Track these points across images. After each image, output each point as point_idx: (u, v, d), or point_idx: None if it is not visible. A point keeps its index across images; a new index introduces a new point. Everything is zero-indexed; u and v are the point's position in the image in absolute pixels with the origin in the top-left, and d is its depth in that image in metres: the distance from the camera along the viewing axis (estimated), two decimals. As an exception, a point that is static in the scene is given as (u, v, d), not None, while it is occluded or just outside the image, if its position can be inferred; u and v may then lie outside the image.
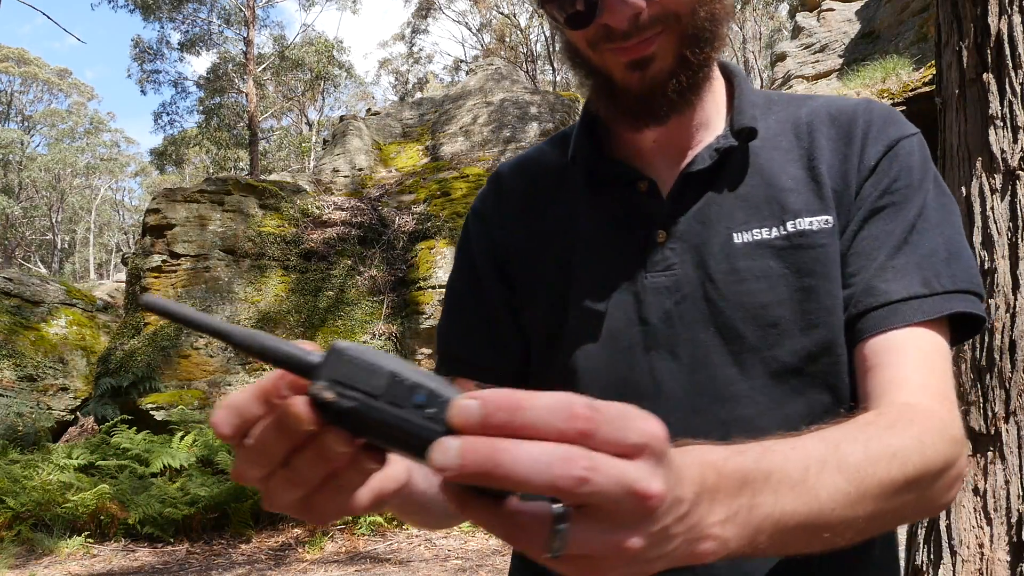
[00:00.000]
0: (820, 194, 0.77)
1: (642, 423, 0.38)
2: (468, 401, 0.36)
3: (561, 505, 0.37)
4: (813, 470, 0.51)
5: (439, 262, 8.71)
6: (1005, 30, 2.00)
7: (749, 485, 0.47)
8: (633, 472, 0.37)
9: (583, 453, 0.36)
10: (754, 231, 0.77)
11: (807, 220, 0.76)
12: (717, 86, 0.84)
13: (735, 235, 0.77)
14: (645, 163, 0.84)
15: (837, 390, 0.75)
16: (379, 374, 0.39)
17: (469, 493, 0.38)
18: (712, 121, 0.83)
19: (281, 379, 0.42)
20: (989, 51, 2.03)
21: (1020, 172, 1.95)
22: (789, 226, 0.76)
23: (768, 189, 0.78)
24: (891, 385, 0.69)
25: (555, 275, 0.85)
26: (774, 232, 0.76)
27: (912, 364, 0.70)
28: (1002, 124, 1.99)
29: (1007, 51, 1.99)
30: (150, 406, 7.52)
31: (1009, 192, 1.96)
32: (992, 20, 2.03)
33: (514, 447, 0.35)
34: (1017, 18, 1.99)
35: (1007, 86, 1.99)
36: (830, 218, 0.76)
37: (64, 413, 7.92)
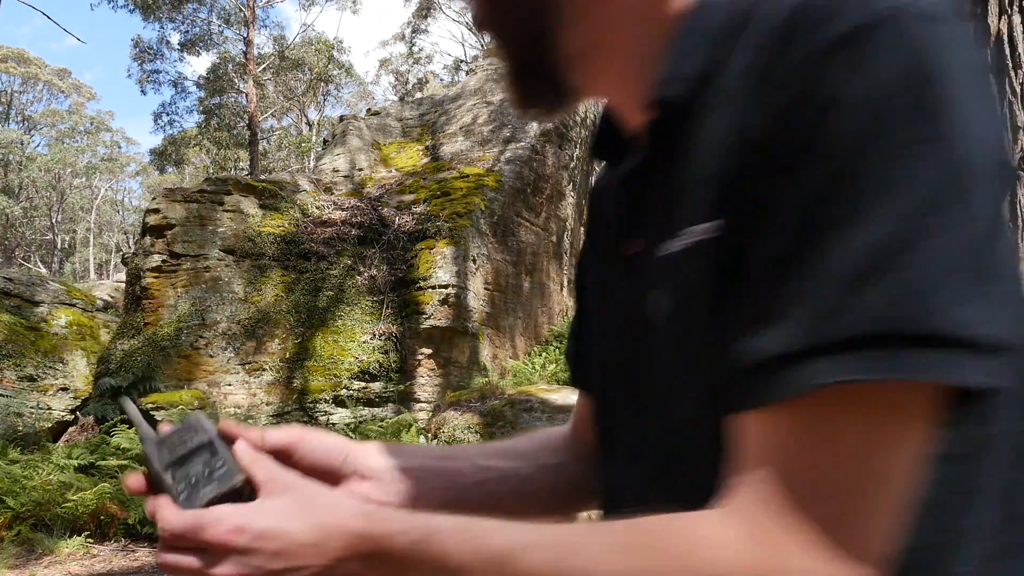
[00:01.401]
0: None
1: (213, 529, 0.52)
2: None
3: None
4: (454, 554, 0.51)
5: (439, 262, 8.70)
6: (1005, 30, 2.00)
7: (397, 559, 0.52)
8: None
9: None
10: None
11: None
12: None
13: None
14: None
15: None
16: (151, 467, 0.56)
17: None
18: None
19: None
20: (989, 51, 2.03)
21: (1020, 172, 1.95)
22: None
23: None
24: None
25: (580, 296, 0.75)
26: None
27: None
28: (1001, 124, 1.99)
29: (1007, 51, 1.99)
30: (150, 406, 7.51)
31: (1009, 192, 1.96)
32: (992, 20, 2.03)
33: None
34: (1017, 18, 1.99)
35: (1007, 86, 1.99)
36: None
37: (64, 413, 7.91)
